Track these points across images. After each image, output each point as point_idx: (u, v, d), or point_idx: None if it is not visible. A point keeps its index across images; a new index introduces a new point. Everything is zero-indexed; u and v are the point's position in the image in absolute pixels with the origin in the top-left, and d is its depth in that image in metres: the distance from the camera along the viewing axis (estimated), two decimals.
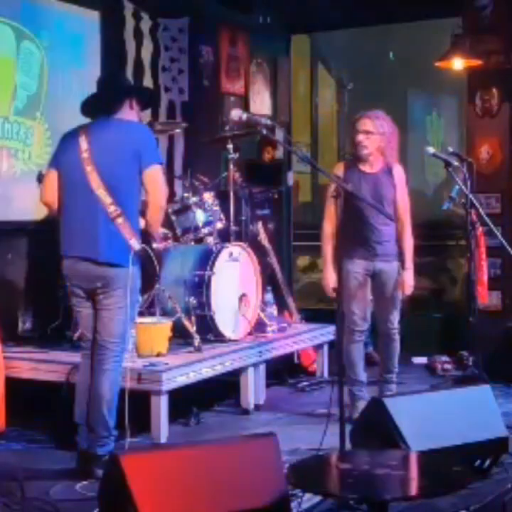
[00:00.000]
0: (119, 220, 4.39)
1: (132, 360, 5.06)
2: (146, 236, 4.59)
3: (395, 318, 5.45)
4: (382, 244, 5.39)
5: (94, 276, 4.44)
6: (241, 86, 7.86)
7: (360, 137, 5.34)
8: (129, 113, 4.58)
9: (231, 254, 5.92)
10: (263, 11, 7.93)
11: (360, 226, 5.32)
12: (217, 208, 6.11)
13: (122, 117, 4.53)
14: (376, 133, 5.33)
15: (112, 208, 4.39)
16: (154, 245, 5.26)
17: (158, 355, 5.25)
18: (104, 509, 3.37)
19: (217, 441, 3.74)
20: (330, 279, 5.38)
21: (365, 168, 5.40)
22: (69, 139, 4.57)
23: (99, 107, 4.57)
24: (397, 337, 5.47)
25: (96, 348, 4.51)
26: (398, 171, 5.47)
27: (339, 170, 5.43)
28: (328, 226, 5.41)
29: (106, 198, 4.39)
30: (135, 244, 4.42)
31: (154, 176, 4.45)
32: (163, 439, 4.93)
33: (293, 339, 6.31)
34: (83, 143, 4.46)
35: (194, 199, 6.06)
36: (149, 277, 5.34)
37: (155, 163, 4.47)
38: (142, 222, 4.57)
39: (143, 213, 4.57)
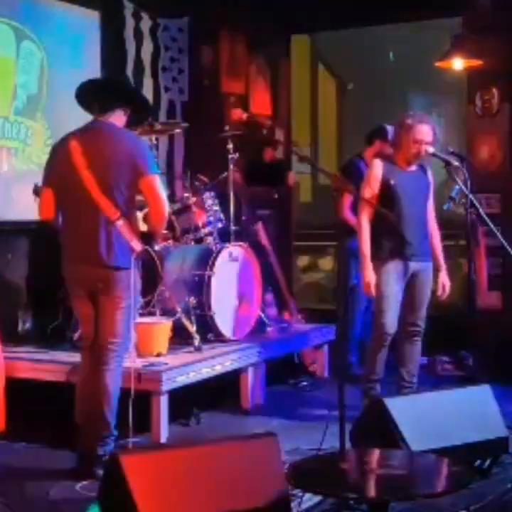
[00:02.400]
0: (119, 223, 4.40)
1: (132, 360, 5.06)
2: (147, 239, 4.59)
3: (425, 314, 5.44)
4: (422, 243, 5.34)
5: (96, 278, 4.44)
6: (241, 86, 7.86)
7: (422, 148, 5.25)
8: (119, 118, 4.56)
9: (231, 254, 5.92)
10: (263, 11, 7.92)
11: (401, 224, 5.21)
12: (217, 207, 6.11)
13: (112, 121, 4.52)
14: (432, 142, 5.29)
15: (111, 212, 4.39)
16: (156, 248, 5.26)
17: (158, 355, 5.25)
18: (104, 509, 3.37)
19: (217, 441, 3.74)
20: (373, 277, 5.23)
21: (403, 166, 5.34)
22: (60, 149, 4.56)
23: (94, 101, 4.56)
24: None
25: (97, 349, 4.51)
26: (430, 172, 5.49)
27: (378, 167, 5.28)
28: (367, 220, 5.23)
29: (104, 202, 4.39)
30: (136, 245, 4.42)
31: (152, 186, 4.45)
32: (163, 439, 4.93)
33: (293, 339, 6.31)
34: (75, 149, 4.45)
35: (194, 199, 6.06)
36: (152, 279, 5.34)
37: (151, 173, 4.46)
38: (140, 221, 4.58)
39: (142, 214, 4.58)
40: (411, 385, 5.42)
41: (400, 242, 5.25)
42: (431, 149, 5.47)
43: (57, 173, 4.53)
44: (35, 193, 5.55)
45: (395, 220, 4.96)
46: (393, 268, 5.26)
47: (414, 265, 5.32)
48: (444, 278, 5.46)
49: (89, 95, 4.60)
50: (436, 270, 5.44)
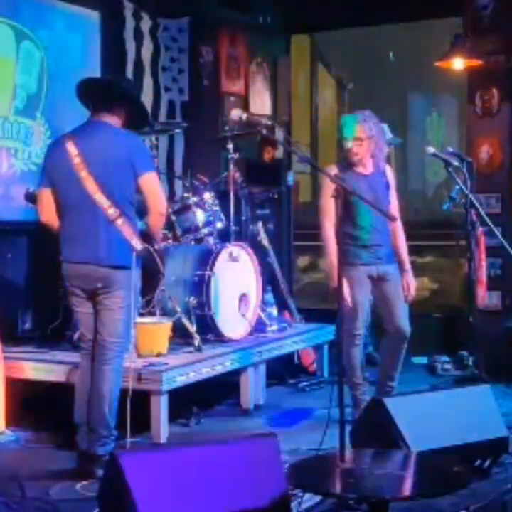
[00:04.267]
0: (119, 222, 4.40)
1: (132, 360, 5.06)
2: (147, 238, 4.59)
3: (407, 318, 5.39)
4: (383, 247, 5.34)
5: (96, 278, 4.44)
6: (241, 86, 7.86)
7: (350, 144, 5.24)
8: (113, 120, 4.53)
9: (231, 254, 5.92)
10: (263, 11, 7.92)
11: (361, 229, 5.26)
12: (217, 208, 6.10)
13: (107, 121, 4.51)
14: (365, 138, 5.23)
15: (110, 211, 4.39)
16: (156, 247, 5.26)
17: (158, 355, 5.25)
18: (104, 509, 3.37)
19: (217, 441, 3.74)
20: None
21: (359, 169, 5.32)
22: (56, 150, 4.56)
23: (90, 100, 4.56)
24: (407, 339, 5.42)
25: (96, 348, 4.51)
26: (389, 172, 5.46)
27: (333, 173, 5.22)
28: (331, 227, 5.23)
29: (104, 201, 4.39)
30: (137, 244, 4.42)
31: (150, 183, 4.45)
32: (163, 439, 4.92)
33: (293, 339, 6.30)
34: (72, 149, 4.44)
35: (194, 199, 6.05)
36: (152, 278, 5.33)
37: (149, 171, 4.47)
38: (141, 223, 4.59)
39: (140, 213, 4.57)
40: (390, 389, 5.39)
41: (360, 246, 5.26)
42: (431, 150, 5.47)
43: (55, 173, 4.51)
44: (27, 199, 5.56)
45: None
46: (356, 274, 5.26)
47: (377, 269, 5.31)
48: (408, 278, 5.40)
49: (86, 94, 4.59)
50: (401, 270, 5.40)
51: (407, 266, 5.44)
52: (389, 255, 5.38)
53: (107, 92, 4.59)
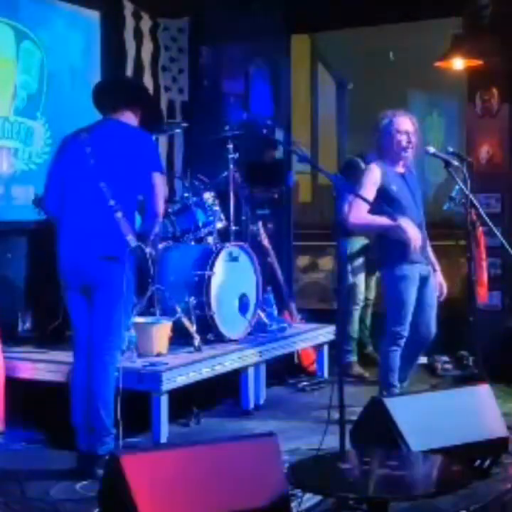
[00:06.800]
0: (118, 215, 4.41)
1: (132, 360, 5.06)
2: (141, 239, 4.59)
3: (434, 322, 5.34)
4: (423, 247, 5.28)
5: (88, 271, 4.44)
6: (241, 86, 7.86)
7: (407, 138, 5.22)
8: (129, 118, 4.58)
9: (231, 254, 5.92)
10: (263, 11, 7.92)
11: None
12: (217, 208, 6.11)
13: (122, 119, 4.55)
14: (416, 133, 5.26)
15: (112, 202, 4.41)
16: (147, 250, 5.22)
17: (158, 355, 5.25)
18: (104, 509, 3.38)
19: (217, 441, 3.74)
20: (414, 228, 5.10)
21: (397, 169, 5.29)
22: (70, 141, 4.60)
23: (105, 100, 4.61)
24: None
25: (90, 347, 4.50)
26: (414, 173, 5.45)
27: (376, 172, 5.20)
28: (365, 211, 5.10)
29: (107, 192, 4.41)
30: (132, 240, 4.43)
31: (154, 184, 4.47)
32: (163, 439, 4.93)
33: (293, 339, 6.30)
34: (84, 142, 4.50)
35: (194, 199, 6.06)
36: (145, 279, 5.33)
37: (155, 171, 4.49)
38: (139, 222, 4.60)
39: (139, 213, 4.59)
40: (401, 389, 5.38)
41: (407, 246, 5.13)
42: (431, 149, 5.46)
43: (65, 162, 4.56)
44: (35, 204, 5.57)
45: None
46: (412, 273, 5.18)
47: (421, 269, 5.25)
48: (440, 279, 5.41)
49: (101, 95, 4.63)
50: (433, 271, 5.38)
51: (437, 267, 5.43)
52: (428, 256, 5.35)
53: (120, 93, 4.64)
